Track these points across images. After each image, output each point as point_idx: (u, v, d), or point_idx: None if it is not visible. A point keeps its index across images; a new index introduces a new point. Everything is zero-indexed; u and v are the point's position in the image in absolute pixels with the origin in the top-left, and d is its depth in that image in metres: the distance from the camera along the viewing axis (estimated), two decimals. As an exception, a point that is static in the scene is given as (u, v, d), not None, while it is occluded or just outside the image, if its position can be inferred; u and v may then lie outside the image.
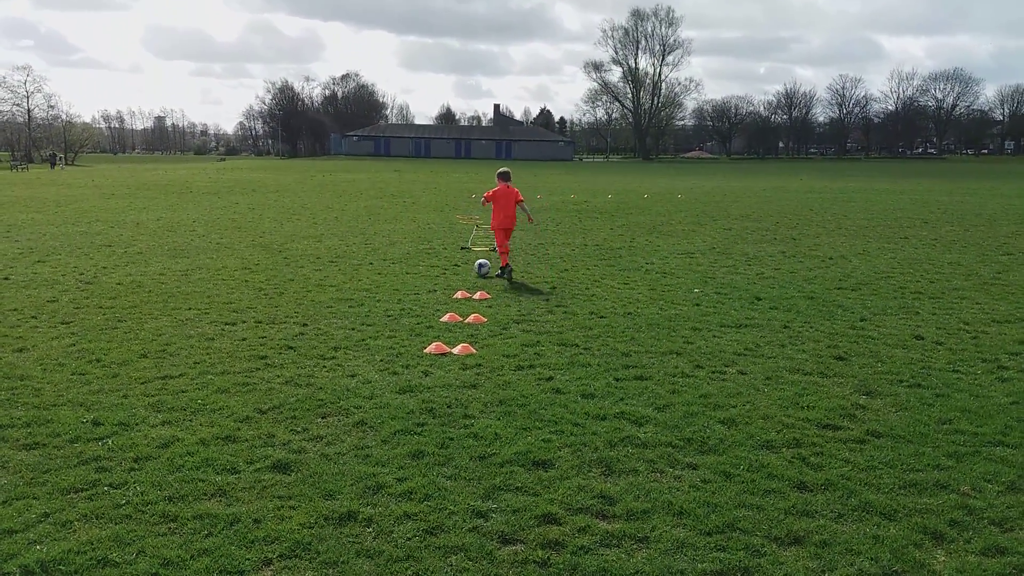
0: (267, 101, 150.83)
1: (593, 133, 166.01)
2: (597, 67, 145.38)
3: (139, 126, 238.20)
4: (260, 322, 9.77)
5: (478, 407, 6.58)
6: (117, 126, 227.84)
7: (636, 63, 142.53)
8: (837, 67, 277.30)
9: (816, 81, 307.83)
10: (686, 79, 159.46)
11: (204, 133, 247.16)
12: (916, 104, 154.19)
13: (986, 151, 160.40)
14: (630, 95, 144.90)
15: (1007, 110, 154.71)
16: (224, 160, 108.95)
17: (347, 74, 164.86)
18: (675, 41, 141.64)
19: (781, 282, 12.87)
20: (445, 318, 9.99)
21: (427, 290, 12.11)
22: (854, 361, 8.14)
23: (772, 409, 6.58)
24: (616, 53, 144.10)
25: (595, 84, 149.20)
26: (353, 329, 9.42)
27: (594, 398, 6.81)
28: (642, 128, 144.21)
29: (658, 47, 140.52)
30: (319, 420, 6.28)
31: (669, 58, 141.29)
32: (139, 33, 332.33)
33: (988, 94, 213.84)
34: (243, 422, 6.21)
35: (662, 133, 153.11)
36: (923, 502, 4.92)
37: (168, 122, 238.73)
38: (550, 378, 7.39)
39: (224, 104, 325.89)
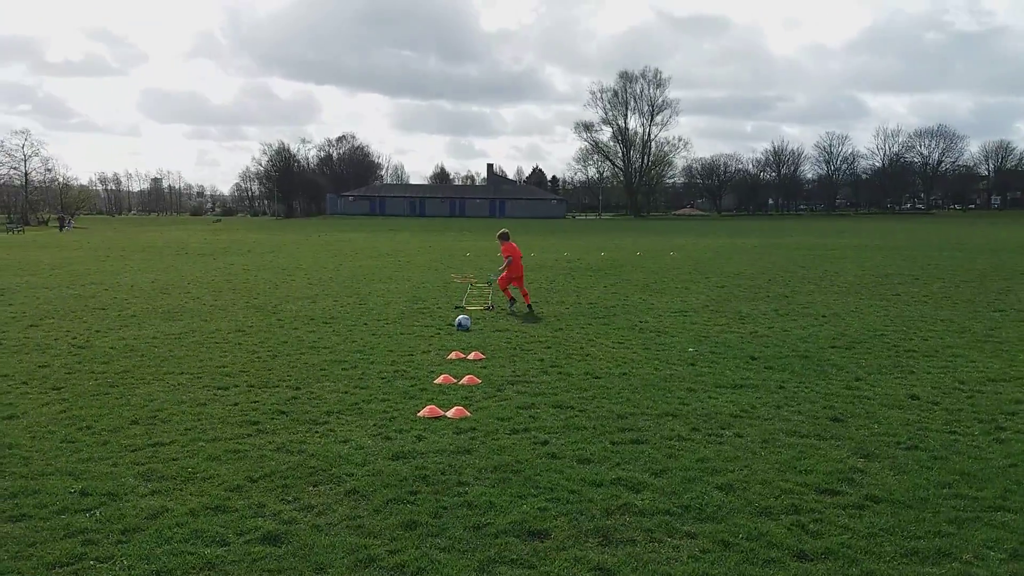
0: (263, 163, 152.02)
1: (585, 191, 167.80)
2: (587, 127, 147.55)
3: (136, 188, 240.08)
4: (253, 386, 9.70)
5: (472, 473, 6.50)
6: (114, 188, 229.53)
7: (626, 123, 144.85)
8: (822, 124, 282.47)
9: (803, 138, 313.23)
10: (675, 138, 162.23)
11: (200, 194, 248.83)
12: (902, 160, 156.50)
13: (973, 206, 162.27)
14: (620, 154, 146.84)
15: (992, 165, 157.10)
16: (220, 221, 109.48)
17: (343, 136, 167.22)
18: (663, 101, 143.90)
19: (775, 341, 12.87)
20: (439, 380, 9.94)
21: (421, 350, 12.07)
22: (850, 422, 8.10)
23: (770, 474, 6.51)
24: (606, 114, 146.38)
25: (586, 144, 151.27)
26: (346, 392, 9.35)
27: (590, 463, 6.74)
28: (633, 186, 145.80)
29: (647, 107, 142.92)
30: (310, 488, 6.20)
31: (658, 118, 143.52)
32: (136, 97, 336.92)
33: (972, 150, 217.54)
34: (233, 491, 6.12)
35: (652, 191, 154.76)
36: (925, 571, 4.84)
37: (164, 184, 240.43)
38: (546, 442, 7.32)
39: (220, 166, 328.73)
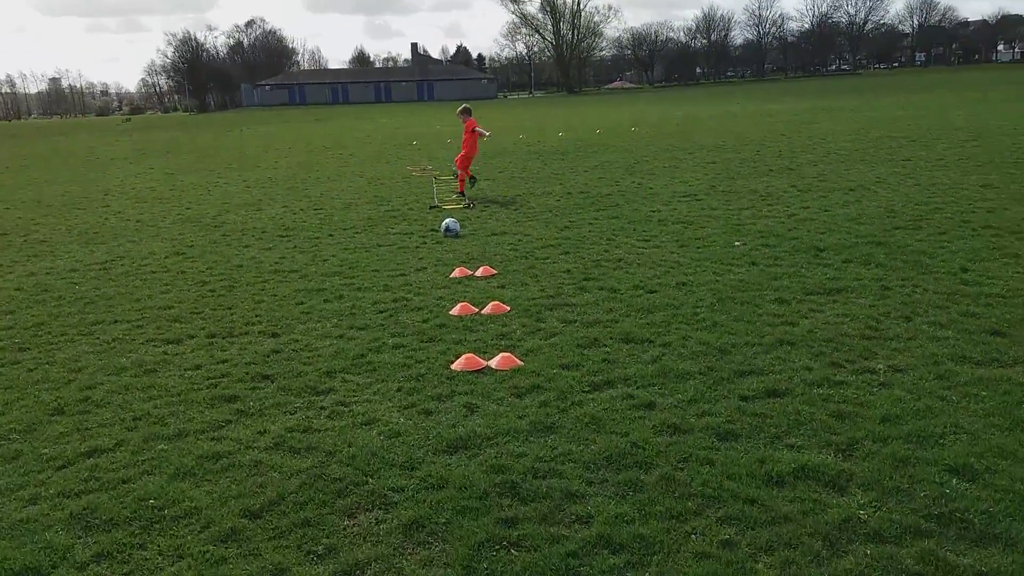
0: (169, 54, 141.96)
1: (514, 69, 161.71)
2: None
3: (32, 90, 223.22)
4: (214, 336, 7.35)
5: (578, 472, 4.42)
6: (8, 91, 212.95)
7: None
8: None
9: (724, 4, 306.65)
10: (605, 6, 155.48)
11: (105, 93, 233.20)
12: (830, 21, 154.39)
13: (896, 64, 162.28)
14: (550, 26, 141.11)
15: (915, 22, 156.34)
16: (129, 120, 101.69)
17: (251, 20, 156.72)
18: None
19: (825, 224, 10.94)
20: (456, 310, 7.73)
21: (413, 268, 9.78)
22: (1014, 333, 6.24)
23: (998, 436, 4.59)
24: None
25: (513, 17, 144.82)
26: (342, 337, 7.09)
27: (736, 438, 4.72)
28: (565, 61, 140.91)
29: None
30: (346, 524, 4.04)
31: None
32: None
33: (897, 7, 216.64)
34: (226, 542, 3.93)
35: (583, 65, 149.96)
36: None
37: (64, 83, 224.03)
38: (651, 404, 5.26)
39: (122, 61, 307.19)
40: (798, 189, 14.31)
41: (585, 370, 5.93)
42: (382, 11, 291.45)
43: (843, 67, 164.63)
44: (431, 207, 14.60)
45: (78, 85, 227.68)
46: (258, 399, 5.73)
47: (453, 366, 6.17)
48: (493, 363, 6.16)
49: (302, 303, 8.36)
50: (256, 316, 7.95)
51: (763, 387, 5.41)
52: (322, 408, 5.49)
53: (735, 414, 5.02)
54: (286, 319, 7.79)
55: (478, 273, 9.27)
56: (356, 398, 5.65)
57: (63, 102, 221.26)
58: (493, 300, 7.96)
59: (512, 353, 6.34)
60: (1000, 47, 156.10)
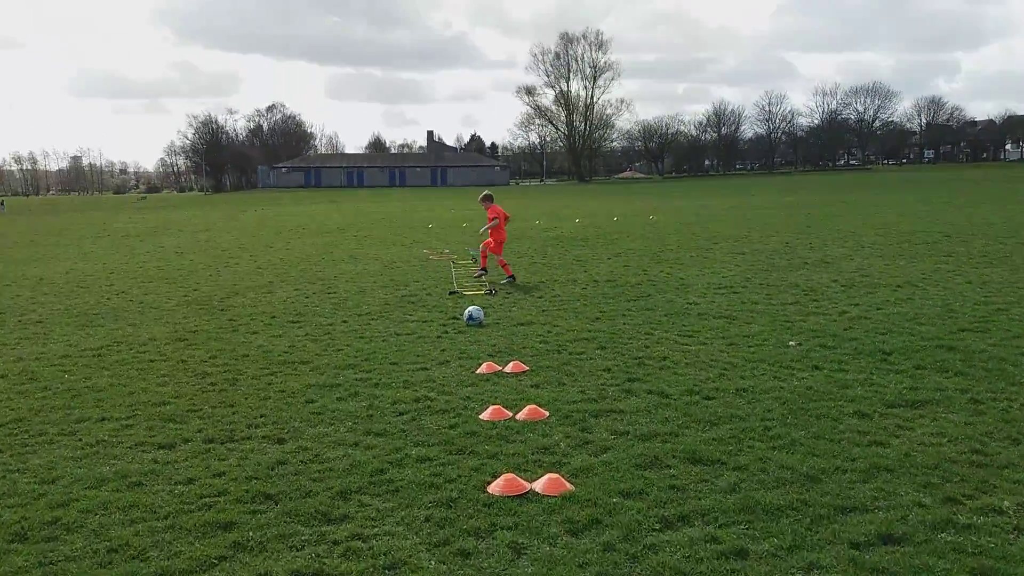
0: (189, 136, 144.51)
1: (526, 157, 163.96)
2: (530, 91, 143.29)
3: (54, 167, 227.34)
4: (212, 441, 6.42)
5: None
6: (30, 167, 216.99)
7: (568, 86, 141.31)
8: (752, 86, 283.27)
9: (734, 100, 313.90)
10: (617, 100, 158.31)
11: (123, 171, 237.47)
12: (839, 117, 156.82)
13: (905, 161, 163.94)
14: (563, 118, 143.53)
15: (923, 120, 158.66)
16: (145, 198, 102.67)
17: (272, 105, 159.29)
18: (605, 63, 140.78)
19: (882, 324, 10.05)
20: (487, 414, 6.81)
21: (435, 361, 8.89)
22: None
23: None
24: (548, 77, 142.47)
25: (528, 108, 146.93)
26: (358, 445, 6.16)
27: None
28: (576, 151, 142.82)
29: (588, 70, 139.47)
30: None
31: (600, 80, 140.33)
32: (48, 72, 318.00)
33: (905, 106, 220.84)
34: None
35: (595, 155, 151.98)
36: None
37: (85, 161, 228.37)
38: (742, 552, 4.28)
39: (143, 141, 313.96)
40: (841, 284, 13.47)
41: (651, 500, 4.96)
42: (399, 100, 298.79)
43: (851, 162, 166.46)
44: (451, 292, 13.80)
45: (98, 163, 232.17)
46: (259, 527, 4.77)
47: (490, 488, 5.21)
48: (538, 486, 5.20)
49: (312, 401, 7.45)
50: (261, 416, 7.03)
51: (875, 530, 4.43)
52: (335, 543, 4.53)
53: (850, 569, 4.03)
54: (294, 421, 6.87)
55: (508, 369, 8.37)
56: (376, 529, 4.69)
57: (82, 179, 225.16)
58: (529, 403, 7.04)
59: (559, 473, 5.39)
60: (1008, 146, 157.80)
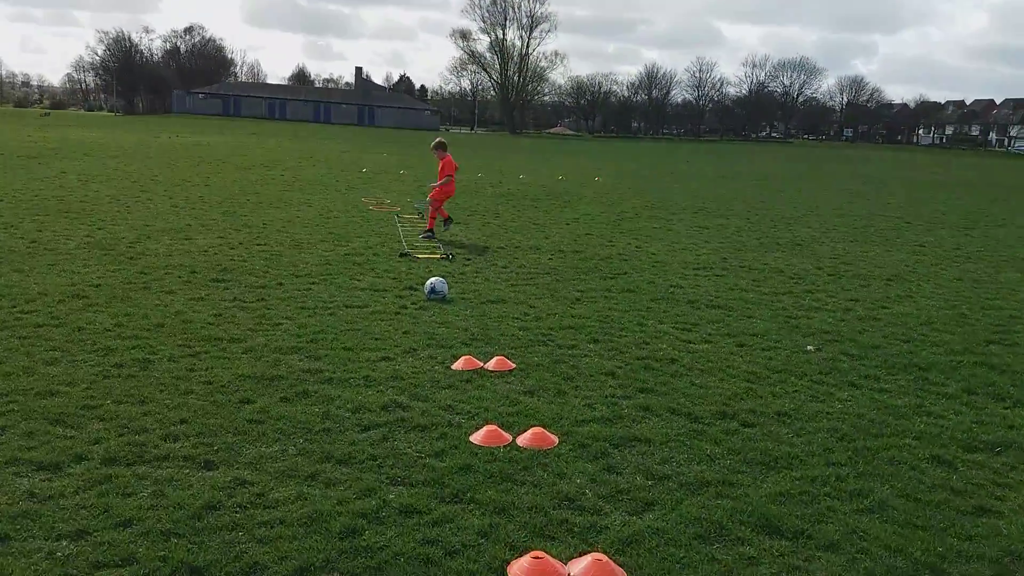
0: (100, 52, 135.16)
1: (456, 103, 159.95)
2: (464, 35, 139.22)
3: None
4: (114, 461, 4.76)
5: None
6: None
7: (504, 34, 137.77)
8: (680, 51, 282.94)
9: (662, 63, 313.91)
10: (552, 53, 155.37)
11: (26, 84, 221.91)
12: (766, 89, 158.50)
13: (824, 137, 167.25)
14: (497, 66, 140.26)
15: (844, 99, 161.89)
16: (49, 115, 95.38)
17: (191, 27, 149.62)
18: (542, 14, 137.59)
19: (897, 328, 8.97)
20: (480, 437, 5.34)
21: (400, 348, 7.34)
22: None
23: None
24: (484, 22, 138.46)
25: (462, 53, 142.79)
26: (314, 479, 4.62)
27: None
28: (509, 102, 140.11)
29: (525, 19, 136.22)
30: None
31: (536, 32, 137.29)
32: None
33: (829, 83, 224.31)
34: None
35: (526, 108, 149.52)
36: None
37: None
38: None
39: (48, 54, 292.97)
40: (827, 273, 12.42)
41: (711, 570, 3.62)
42: (324, 32, 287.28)
43: (773, 135, 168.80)
44: (401, 255, 12.16)
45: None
46: (182, 635, 3.21)
47: (512, 571, 3.77)
48: (578, 571, 3.78)
49: (249, 401, 5.82)
50: (181, 422, 5.38)
51: None
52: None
53: None
54: (226, 432, 5.25)
55: (490, 366, 6.90)
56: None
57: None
58: (526, 417, 5.63)
59: (602, 551, 3.97)
60: (920, 131, 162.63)
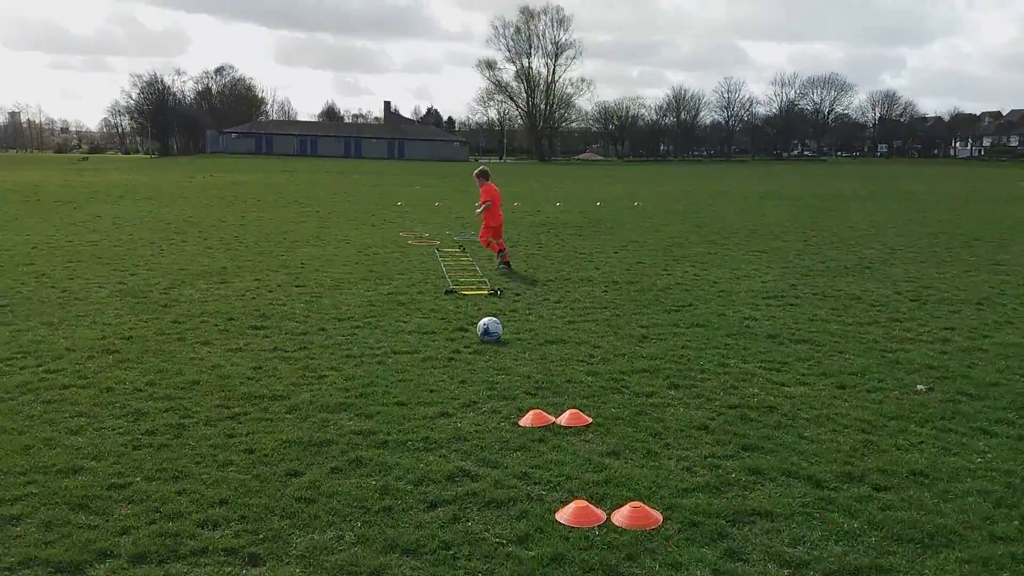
0: (134, 96, 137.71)
1: (484, 134, 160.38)
2: (490, 65, 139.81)
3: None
4: (145, 560, 4.02)
5: None
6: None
7: (529, 63, 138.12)
8: (705, 72, 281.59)
9: (687, 85, 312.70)
10: (578, 79, 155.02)
11: (65, 130, 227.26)
12: (796, 107, 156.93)
13: (858, 154, 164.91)
14: (524, 95, 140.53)
15: (877, 114, 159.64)
16: (87, 159, 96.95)
17: (222, 67, 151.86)
18: (567, 41, 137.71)
19: (1012, 363, 8.00)
20: (567, 515, 4.52)
21: (458, 401, 6.55)
22: None
23: None
24: (509, 51, 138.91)
25: (488, 83, 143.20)
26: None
27: None
28: (537, 129, 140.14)
29: (550, 47, 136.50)
30: None
31: (561, 59, 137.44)
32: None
33: (860, 99, 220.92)
34: None
35: (555, 134, 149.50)
36: None
37: (23, 117, 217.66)
38: None
39: (85, 100, 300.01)
40: (908, 299, 11.45)
41: None
42: (352, 68, 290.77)
43: (806, 153, 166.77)
44: (446, 292, 11.43)
45: (38, 121, 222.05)
46: None
47: None
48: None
49: (297, 474, 5.07)
50: (220, 504, 4.64)
51: None
52: None
53: None
54: (272, 515, 4.49)
55: (563, 420, 6.09)
56: None
57: (20, 136, 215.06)
58: (617, 487, 4.81)
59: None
60: (957, 144, 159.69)
